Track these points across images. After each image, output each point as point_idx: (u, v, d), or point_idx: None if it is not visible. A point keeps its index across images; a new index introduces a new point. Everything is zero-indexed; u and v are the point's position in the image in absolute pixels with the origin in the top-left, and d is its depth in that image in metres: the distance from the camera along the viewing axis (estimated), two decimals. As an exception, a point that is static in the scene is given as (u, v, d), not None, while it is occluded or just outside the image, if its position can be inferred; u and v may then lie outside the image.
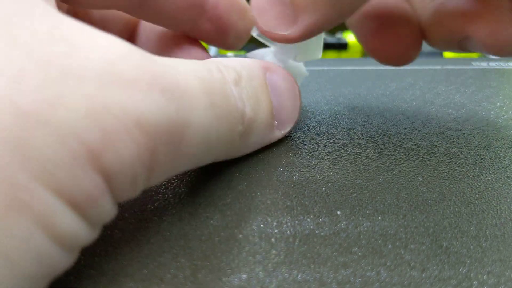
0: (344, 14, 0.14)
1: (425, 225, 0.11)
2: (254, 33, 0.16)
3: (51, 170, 0.08)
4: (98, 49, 0.09)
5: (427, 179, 0.13)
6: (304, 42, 0.15)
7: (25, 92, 0.07)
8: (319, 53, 0.17)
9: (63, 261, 0.08)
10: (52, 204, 0.08)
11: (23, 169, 0.07)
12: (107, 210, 0.09)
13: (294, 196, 0.13)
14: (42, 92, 0.08)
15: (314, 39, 0.15)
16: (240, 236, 0.11)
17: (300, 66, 0.18)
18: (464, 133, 0.16)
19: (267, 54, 0.17)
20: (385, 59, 0.17)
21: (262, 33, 0.15)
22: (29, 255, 0.07)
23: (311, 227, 0.11)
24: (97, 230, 0.09)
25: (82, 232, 0.08)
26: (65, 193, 0.08)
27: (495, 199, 0.13)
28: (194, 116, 0.10)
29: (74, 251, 0.09)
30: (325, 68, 0.24)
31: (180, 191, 0.13)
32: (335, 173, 0.14)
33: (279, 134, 0.15)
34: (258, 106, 0.14)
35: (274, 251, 0.11)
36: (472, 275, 0.10)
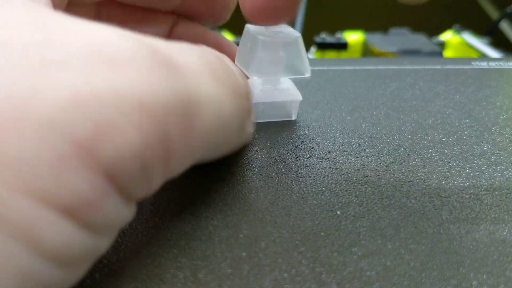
0: None
1: (425, 225, 0.11)
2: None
3: (32, 173, 0.07)
4: (83, 34, 0.08)
5: (427, 179, 0.13)
6: (286, 56, 0.15)
7: None
8: (306, 70, 0.16)
9: (60, 277, 0.07)
10: (35, 213, 0.07)
11: None
12: (117, 213, 0.08)
13: (293, 196, 0.13)
14: (15, 86, 0.07)
15: (296, 52, 0.15)
16: (240, 236, 0.11)
17: (293, 89, 0.17)
18: (464, 133, 0.16)
19: (254, 81, 0.17)
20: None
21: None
22: (10, 273, 0.07)
23: (311, 227, 0.11)
24: (109, 237, 0.08)
25: (82, 243, 0.07)
26: (53, 200, 0.07)
27: (495, 199, 0.13)
28: (203, 91, 0.09)
29: (76, 264, 0.08)
30: (325, 68, 0.23)
31: (180, 191, 0.13)
32: (334, 173, 0.14)
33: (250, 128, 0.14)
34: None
35: (273, 251, 0.11)
36: (472, 275, 0.10)
